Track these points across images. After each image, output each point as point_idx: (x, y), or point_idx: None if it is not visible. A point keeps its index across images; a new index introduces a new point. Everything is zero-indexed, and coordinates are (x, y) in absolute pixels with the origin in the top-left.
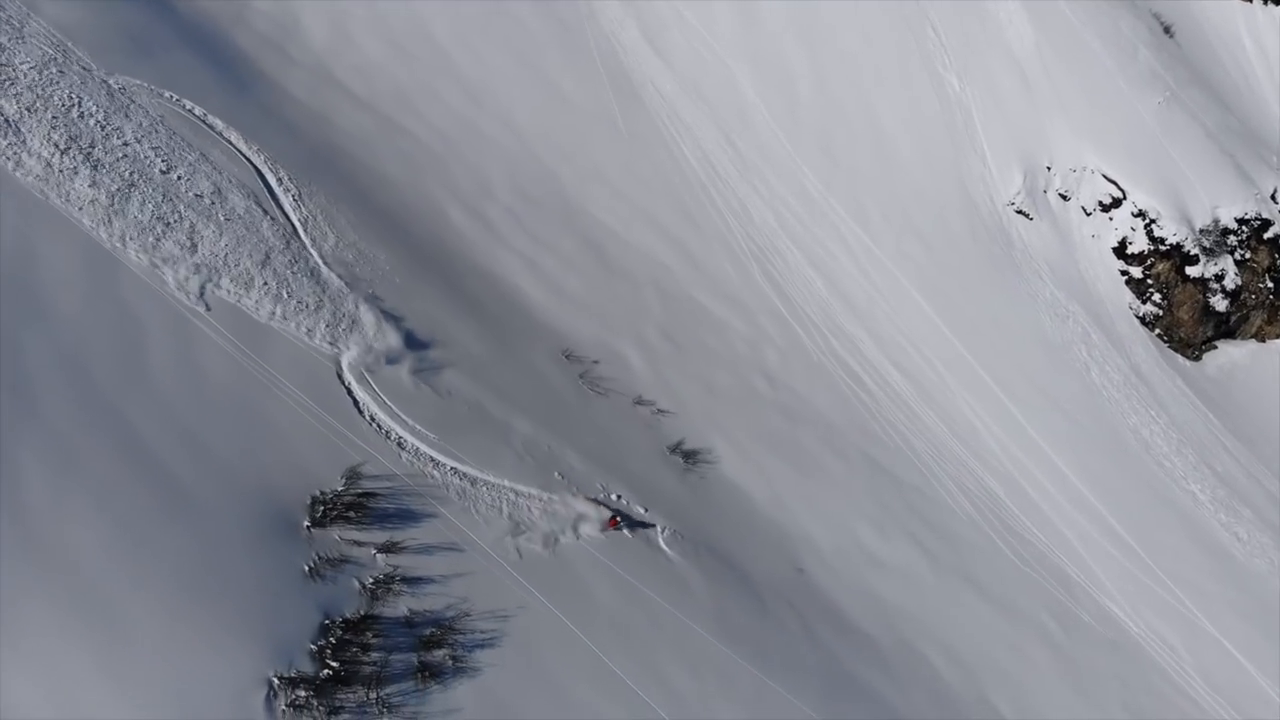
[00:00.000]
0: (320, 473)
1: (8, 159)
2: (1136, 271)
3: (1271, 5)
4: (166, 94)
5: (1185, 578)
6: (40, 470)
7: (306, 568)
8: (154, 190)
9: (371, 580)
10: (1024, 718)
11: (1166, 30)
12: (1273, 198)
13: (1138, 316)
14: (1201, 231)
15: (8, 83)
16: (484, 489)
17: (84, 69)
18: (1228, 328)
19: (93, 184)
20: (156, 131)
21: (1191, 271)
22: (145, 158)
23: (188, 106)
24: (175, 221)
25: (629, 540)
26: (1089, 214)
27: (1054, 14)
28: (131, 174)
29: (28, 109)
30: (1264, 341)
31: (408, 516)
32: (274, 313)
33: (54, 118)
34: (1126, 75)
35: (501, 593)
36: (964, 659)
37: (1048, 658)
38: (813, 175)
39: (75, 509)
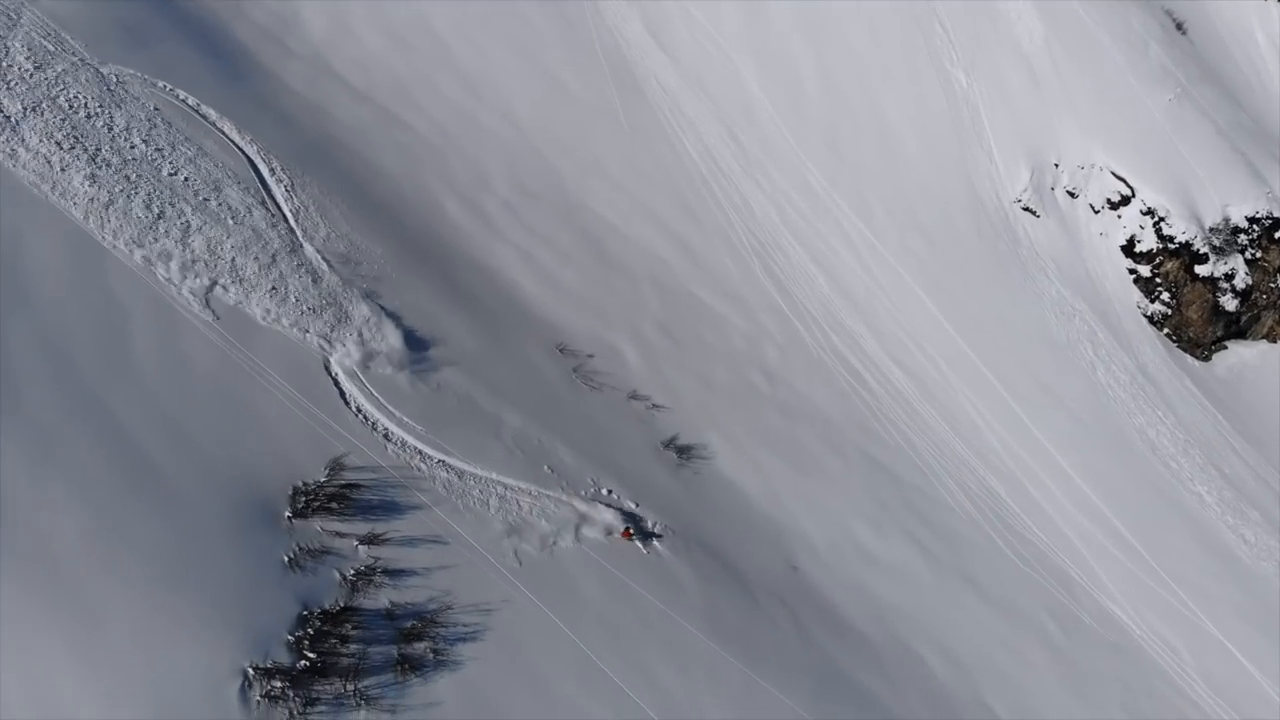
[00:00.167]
0: (304, 464)
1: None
2: (1145, 270)
3: None
4: (160, 84)
5: (1189, 580)
6: (19, 457)
7: (286, 558)
8: (144, 180)
9: (352, 572)
10: (1021, 719)
11: (1178, 27)
12: None
13: (1146, 315)
14: (1211, 230)
15: (2, 74)
16: (472, 482)
17: (78, 59)
18: (1238, 328)
19: (89, 179)
20: (154, 124)
21: (1201, 270)
22: (136, 148)
23: (181, 96)
24: (168, 213)
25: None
26: (1097, 211)
27: (1064, 10)
28: (117, 160)
29: (22, 101)
30: (1275, 342)
31: (392, 509)
32: (268, 310)
33: (48, 108)
34: (1137, 72)
35: (486, 586)
36: (961, 659)
37: (1047, 659)
38: (817, 170)
39: (53, 496)
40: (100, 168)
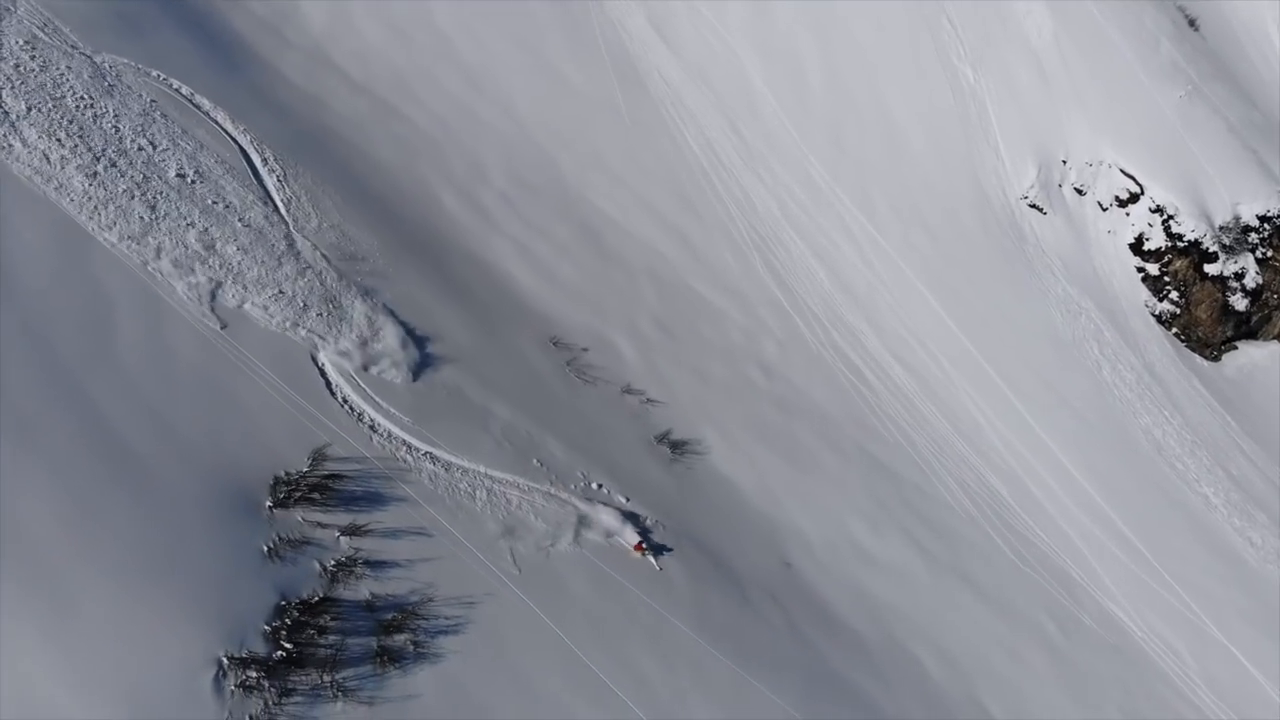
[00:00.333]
0: (287, 454)
1: None
2: (1153, 268)
3: None
4: (154, 73)
5: (1193, 582)
6: None
7: (266, 548)
8: (133, 168)
9: (333, 563)
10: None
11: (1191, 23)
12: None
13: (1154, 314)
14: (1221, 228)
15: None
16: (459, 474)
17: (70, 47)
18: (1248, 328)
19: (88, 175)
20: (149, 117)
21: (1210, 269)
22: (126, 137)
23: (174, 86)
24: (157, 203)
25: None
26: (1105, 209)
27: (1074, 6)
28: (106, 148)
29: (17, 92)
30: None
31: (375, 500)
32: (255, 300)
33: (36, 95)
34: (1148, 68)
35: (469, 579)
36: (957, 660)
37: (1045, 661)
38: (820, 165)
39: (30, 482)
40: (96, 161)
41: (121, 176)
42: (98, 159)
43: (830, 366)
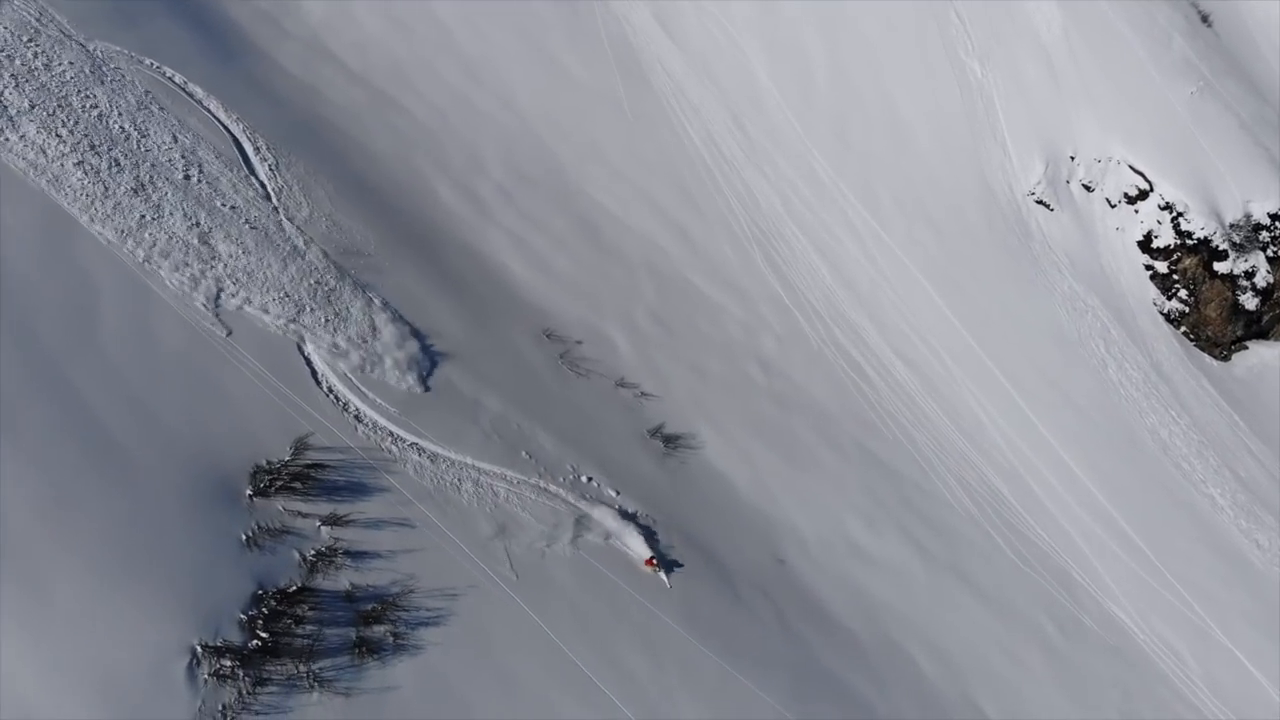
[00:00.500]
0: (271, 443)
1: None
2: (1162, 266)
3: None
4: (147, 61)
5: (1197, 583)
6: None
7: (244, 537)
8: (124, 155)
9: (313, 552)
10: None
11: (1204, 19)
12: None
13: (1162, 313)
14: (1232, 226)
15: None
16: (445, 465)
17: (62, 34)
18: (1259, 327)
19: (79, 165)
20: (144, 106)
21: (1220, 267)
22: (116, 125)
23: (167, 74)
24: (148, 192)
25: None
26: (1113, 206)
27: (1084, 1)
28: (95, 138)
29: (18, 90)
30: None
31: (358, 490)
32: (242, 290)
33: (25, 83)
34: (1159, 64)
35: (452, 571)
36: (953, 660)
37: (1044, 662)
38: (824, 160)
39: (6, 467)
40: (90, 150)
41: (114, 164)
42: (94, 148)
43: (830, 363)
